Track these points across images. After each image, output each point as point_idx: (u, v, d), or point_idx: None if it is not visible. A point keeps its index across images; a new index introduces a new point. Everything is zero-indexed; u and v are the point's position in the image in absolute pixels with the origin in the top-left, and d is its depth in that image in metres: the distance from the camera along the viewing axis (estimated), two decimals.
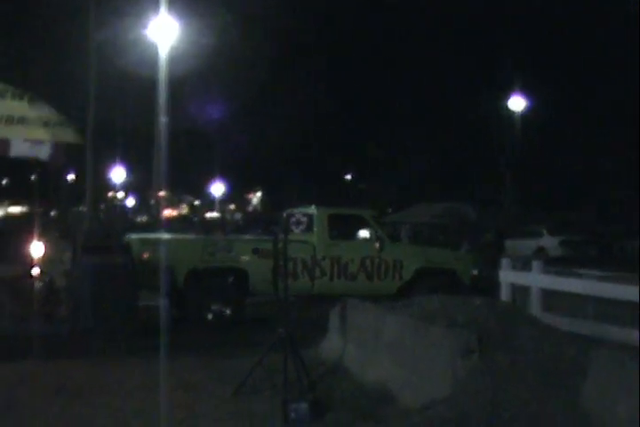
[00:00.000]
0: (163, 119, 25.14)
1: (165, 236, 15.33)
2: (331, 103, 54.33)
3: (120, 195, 75.08)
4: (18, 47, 36.99)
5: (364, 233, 14.68)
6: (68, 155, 11.08)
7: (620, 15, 42.31)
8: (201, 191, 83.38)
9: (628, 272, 12.41)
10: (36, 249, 12.35)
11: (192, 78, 39.83)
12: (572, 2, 48.17)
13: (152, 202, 43.30)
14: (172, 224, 42.10)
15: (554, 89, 46.20)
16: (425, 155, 54.81)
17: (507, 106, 44.40)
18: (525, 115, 43.75)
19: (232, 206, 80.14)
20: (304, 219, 14.79)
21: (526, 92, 43.71)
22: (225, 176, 73.84)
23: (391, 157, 56.98)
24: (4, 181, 72.85)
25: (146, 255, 12.85)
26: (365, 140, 58.58)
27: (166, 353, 8.21)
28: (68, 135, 10.71)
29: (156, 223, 32.03)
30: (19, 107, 10.49)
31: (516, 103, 43.62)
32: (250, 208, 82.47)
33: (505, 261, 12.55)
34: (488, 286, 13.89)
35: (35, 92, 10.67)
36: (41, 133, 10.59)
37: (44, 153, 10.85)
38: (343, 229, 14.89)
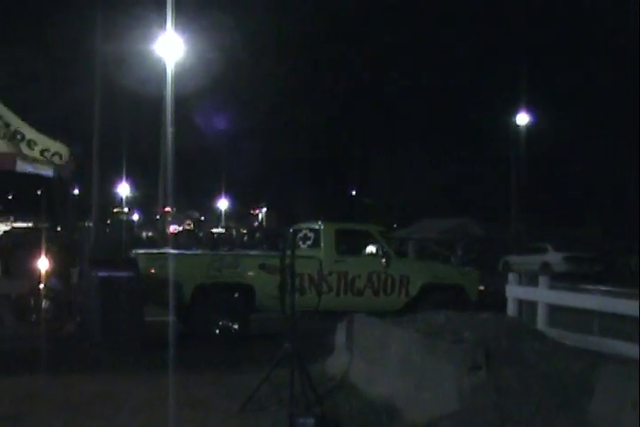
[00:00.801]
0: (169, 135, 25.28)
1: (172, 251, 15.34)
2: (330, 105, 54.71)
3: (125, 210, 75.29)
4: (24, 63, 37.18)
5: (370, 248, 14.65)
6: (73, 172, 11.16)
7: (621, 16, 42.48)
8: (207, 207, 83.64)
9: (631, 288, 12.41)
10: (43, 264, 12.38)
11: (197, 94, 40.09)
12: (572, 3, 48.55)
13: (157, 217, 43.43)
14: (177, 239, 42.17)
15: (555, 90, 46.38)
16: (425, 158, 55.01)
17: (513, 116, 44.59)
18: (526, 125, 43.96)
19: (232, 223, 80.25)
20: (310, 234, 14.77)
21: (527, 96, 43.93)
22: (230, 192, 74.14)
23: (391, 160, 57.20)
24: (9, 196, 72.98)
25: (153, 271, 12.87)
26: (368, 147, 58.95)
27: (173, 368, 8.22)
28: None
29: (162, 239, 32.11)
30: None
31: (522, 118, 43.77)
32: (255, 223, 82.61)
33: (511, 277, 12.54)
34: (495, 301, 13.86)
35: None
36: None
37: (48, 171, 10.95)
38: (350, 244, 14.86)
